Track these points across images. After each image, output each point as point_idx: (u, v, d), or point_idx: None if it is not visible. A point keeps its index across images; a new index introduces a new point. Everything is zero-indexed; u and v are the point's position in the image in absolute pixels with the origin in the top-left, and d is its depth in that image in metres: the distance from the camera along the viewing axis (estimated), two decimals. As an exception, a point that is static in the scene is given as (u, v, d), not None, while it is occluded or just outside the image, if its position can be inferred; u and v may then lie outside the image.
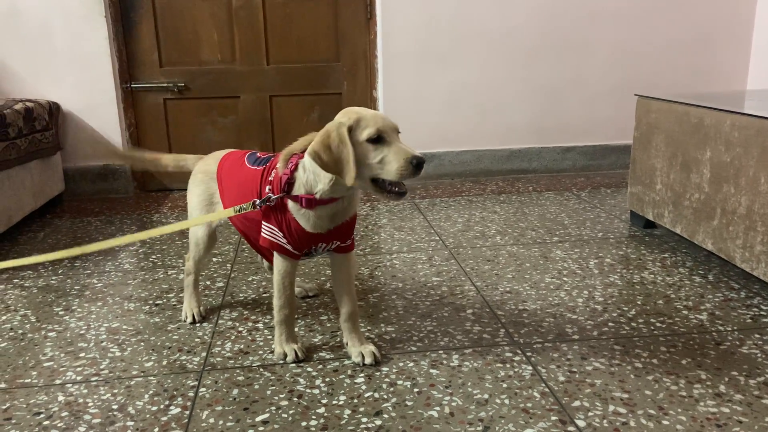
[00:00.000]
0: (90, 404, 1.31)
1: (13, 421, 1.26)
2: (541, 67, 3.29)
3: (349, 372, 1.42)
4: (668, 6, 3.30)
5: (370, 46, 3.26)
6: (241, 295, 1.88)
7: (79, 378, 1.42)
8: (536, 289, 1.86)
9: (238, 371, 1.43)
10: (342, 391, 1.34)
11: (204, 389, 1.36)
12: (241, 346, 1.55)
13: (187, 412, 1.28)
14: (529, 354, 1.48)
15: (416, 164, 1.23)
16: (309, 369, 1.43)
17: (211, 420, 1.25)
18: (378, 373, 1.41)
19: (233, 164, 1.55)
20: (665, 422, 1.21)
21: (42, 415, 1.28)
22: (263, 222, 1.42)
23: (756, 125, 1.74)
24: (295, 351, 1.46)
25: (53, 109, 2.87)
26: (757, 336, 1.55)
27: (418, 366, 1.43)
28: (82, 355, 1.53)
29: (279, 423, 1.24)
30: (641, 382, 1.35)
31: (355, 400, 1.31)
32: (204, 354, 1.52)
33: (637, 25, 3.30)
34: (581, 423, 1.21)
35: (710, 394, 1.30)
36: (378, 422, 1.23)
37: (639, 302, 1.76)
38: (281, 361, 1.46)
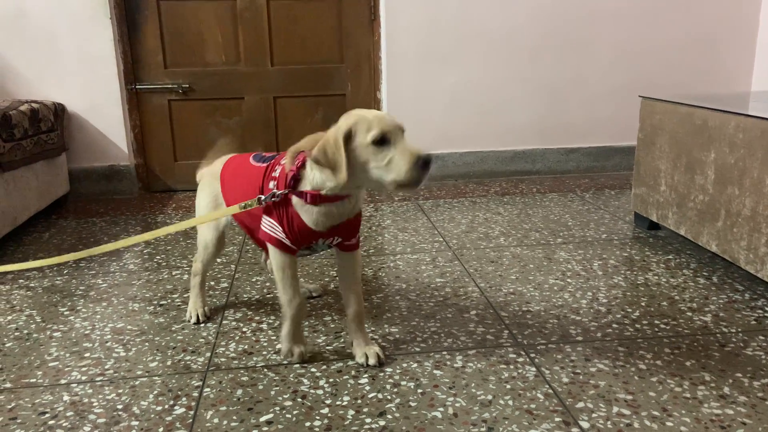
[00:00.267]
0: (95, 404, 1.32)
1: (19, 421, 1.27)
2: (544, 67, 3.29)
3: (353, 372, 1.42)
4: (672, 6, 3.29)
5: (374, 47, 3.26)
6: (245, 295, 1.88)
7: (84, 378, 1.42)
8: (540, 291, 1.86)
9: (242, 371, 1.44)
10: (346, 392, 1.34)
11: (208, 389, 1.37)
12: (245, 347, 1.55)
13: (192, 412, 1.28)
14: (532, 355, 1.48)
15: (423, 164, 1.23)
16: (313, 369, 1.44)
17: (216, 420, 1.26)
18: (382, 374, 1.41)
19: (239, 164, 1.56)
20: (669, 424, 1.21)
21: (47, 415, 1.29)
22: (264, 215, 1.42)
23: (760, 127, 1.73)
24: (301, 352, 1.46)
25: (58, 110, 2.88)
26: (761, 338, 1.55)
27: (421, 367, 1.44)
28: (87, 355, 1.53)
29: (283, 423, 1.24)
30: (645, 384, 1.35)
31: (359, 401, 1.31)
32: (208, 354, 1.52)
33: (641, 26, 3.30)
34: (585, 424, 1.21)
35: (714, 396, 1.30)
36: (382, 423, 1.23)
37: (643, 304, 1.76)
38: (287, 360, 1.46)
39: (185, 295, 1.86)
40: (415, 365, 1.44)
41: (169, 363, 1.48)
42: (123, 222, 2.71)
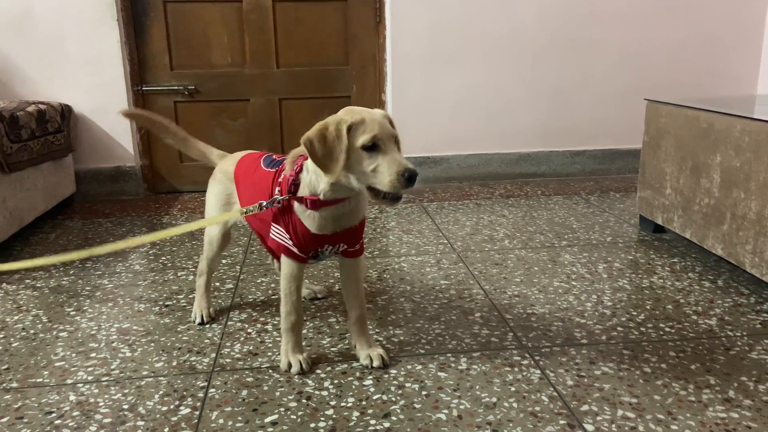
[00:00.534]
0: (101, 404, 1.33)
1: (25, 420, 1.28)
2: (548, 69, 3.29)
3: (358, 374, 1.42)
4: (677, 8, 3.29)
5: (379, 50, 3.27)
6: (250, 296, 1.89)
7: (90, 378, 1.43)
8: (545, 293, 1.86)
9: (247, 372, 1.44)
10: (350, 393, 1.35)
11: (213, 390, 1.37)
12: (250, 348, 1.56)
13: (197, 413, 1.29)
14: (537, 358, 1.48)
15: (408, 177, 1.21)
16: (317, 371, 1.44)
17: (221, 420, 1.26)
18: (386, 376, 1.41)
19: (250, 166, 1.57)
20: (674, 427, 1.21)
21: (53, 415, 1.29)
22: (272, 224, 1.43)
23: (766, 130, 1.73)
24: (300, 362, 1.44)
25: (65, 111, 2.89)
26: (766, 341, 1.54)
27: (426, 369, 1.44)
28: (93, 355, 1.54)
29: (288, 424, 1.24)
30: (650, 387, 1.35)
31: (364, 402, 1.31)
32: (213, 355, 1.53)
33: (646, 28, 3.29)
34: (590, 427, 1.21)
35: (719, 400, 1.30)
36: (386, 424, 1.23)
37: (648, 307, 1.76)
38: (286, 371, 1.46)
39: (190, 296, 1.87)
40: (420, 367, 1.45)
41: (174, 363, 1.49)
42: (129, 223, 2.73)
